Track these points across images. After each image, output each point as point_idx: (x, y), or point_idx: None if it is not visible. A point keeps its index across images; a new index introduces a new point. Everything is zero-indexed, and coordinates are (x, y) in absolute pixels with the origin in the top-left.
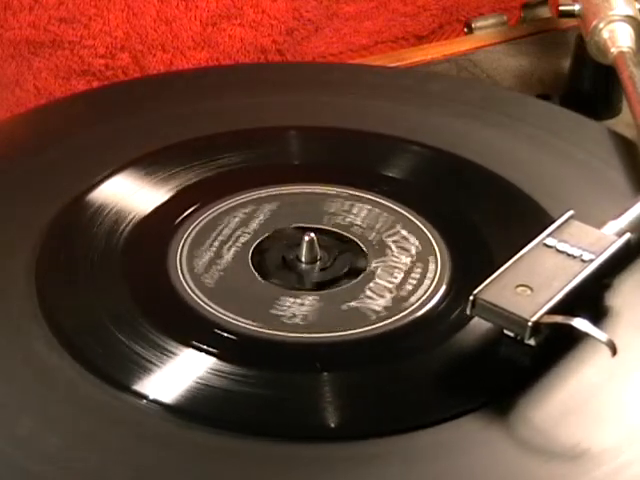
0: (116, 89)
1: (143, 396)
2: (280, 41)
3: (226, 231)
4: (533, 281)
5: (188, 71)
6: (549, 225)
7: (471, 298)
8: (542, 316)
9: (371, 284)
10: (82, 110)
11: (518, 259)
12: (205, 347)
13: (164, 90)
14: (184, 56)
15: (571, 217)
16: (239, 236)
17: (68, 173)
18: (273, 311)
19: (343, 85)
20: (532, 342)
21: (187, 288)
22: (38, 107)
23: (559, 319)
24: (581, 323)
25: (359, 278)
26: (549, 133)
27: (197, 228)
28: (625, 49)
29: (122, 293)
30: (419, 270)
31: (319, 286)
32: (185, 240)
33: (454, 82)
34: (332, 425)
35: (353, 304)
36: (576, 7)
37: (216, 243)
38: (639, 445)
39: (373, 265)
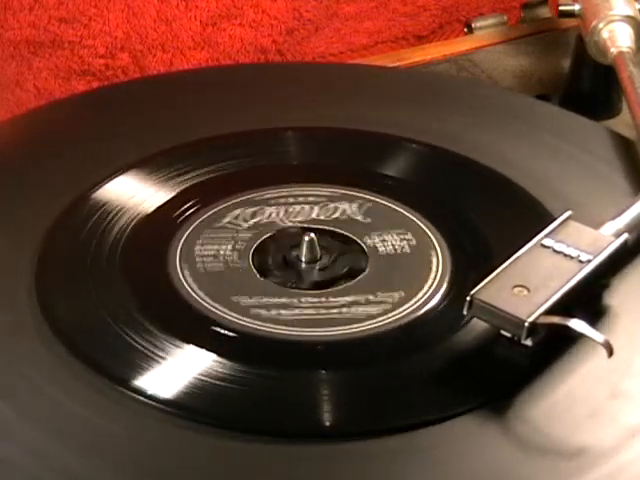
0: (116, 89)
1: (143, 394)
2: (280, 41)
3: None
4: (530, 281)
5: (188, 71)
6: (548, 225)
7: (468, 298)
8: (539, 317)
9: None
10: (82, 110)
11: (515, 259)
12: (205, 345)
13: (164, 90)
14: (184, 56)
15: (569, 217)
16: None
17: (68, 173)
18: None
19: (343, 85)
20: (529, 342)
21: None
22: (38, 107)
23: (556, 320)
24: (577, 324)
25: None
26: (549, 133)
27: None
28: (625, 49)
29: (122, 293)
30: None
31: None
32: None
33: (454, 82)
34: (331, 424)
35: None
36: (576, 7)
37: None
38: (637, 445)
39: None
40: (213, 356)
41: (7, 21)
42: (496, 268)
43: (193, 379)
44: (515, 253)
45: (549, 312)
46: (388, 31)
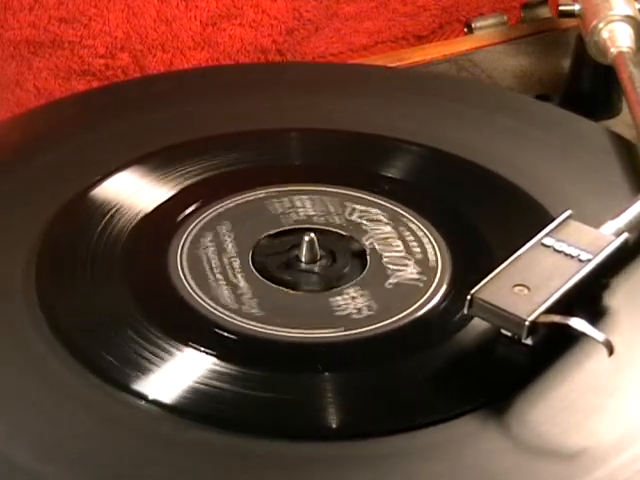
0: (116, 89)
1: (143, 396)
2: (280, 41)
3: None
4: (530, 281)
5: (188, 71)
6: (548, 224)
7: (468, 297)
8: (539, 316)
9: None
10: (82, 110)
11: (516, 258)
12: (205, 347)
13: (164, 90)
14: (184, 56)
15: (569, 217)
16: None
17: (68, 173)
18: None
19: (343, 85)
20: (529, 342)
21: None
22: (38, 107)
23: (556, 319)
24: (578, 323)
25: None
26: (549, 133)
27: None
28: (625, 49)
29: (122, 292)
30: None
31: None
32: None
33: (454, 82)
34: (332, 425)
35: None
36: (576, 7)
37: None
38: (637, 445)
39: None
40: (213, 358)
41: (7, 21)
42: (496, 268)
43: (192, 381)
44: (515, 252)
45: (549, 311)
46: (388, 31)
